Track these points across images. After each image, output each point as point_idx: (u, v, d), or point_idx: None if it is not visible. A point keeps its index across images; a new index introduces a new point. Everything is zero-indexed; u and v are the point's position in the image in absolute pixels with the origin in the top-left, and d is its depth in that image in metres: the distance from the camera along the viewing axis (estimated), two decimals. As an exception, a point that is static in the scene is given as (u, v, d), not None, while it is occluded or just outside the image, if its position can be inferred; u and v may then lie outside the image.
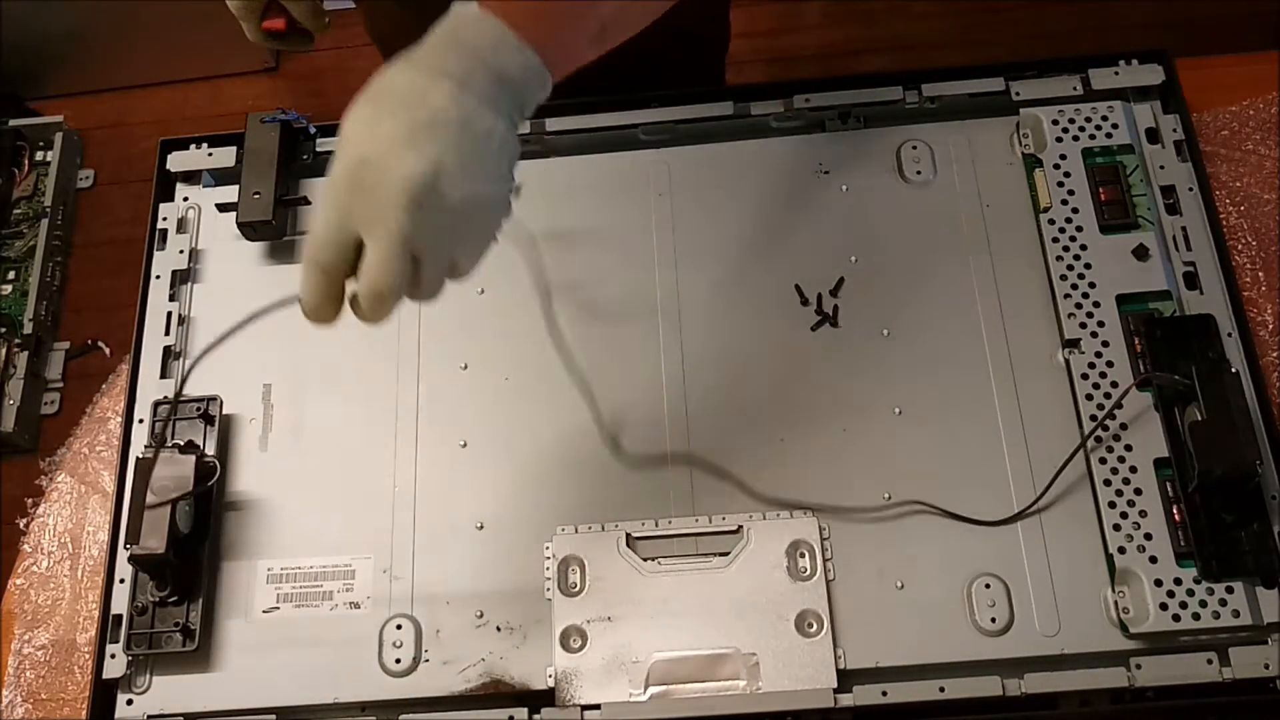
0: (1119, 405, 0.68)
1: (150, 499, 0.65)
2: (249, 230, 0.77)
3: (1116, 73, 0.78)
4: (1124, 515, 0.66)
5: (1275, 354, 0.76)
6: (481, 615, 0.67)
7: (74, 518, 0.81)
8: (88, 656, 0.74)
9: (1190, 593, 0.63)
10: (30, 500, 0.83)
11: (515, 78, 0.51)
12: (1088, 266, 0.72)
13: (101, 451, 0.83)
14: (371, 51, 0.77)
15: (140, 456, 0.68)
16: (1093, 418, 0.68)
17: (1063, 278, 0.72)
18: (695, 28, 0.83)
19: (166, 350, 0.75)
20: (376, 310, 0.50)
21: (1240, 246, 0.79)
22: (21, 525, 0.81)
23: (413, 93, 0.49)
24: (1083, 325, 0.70)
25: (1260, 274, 0.78)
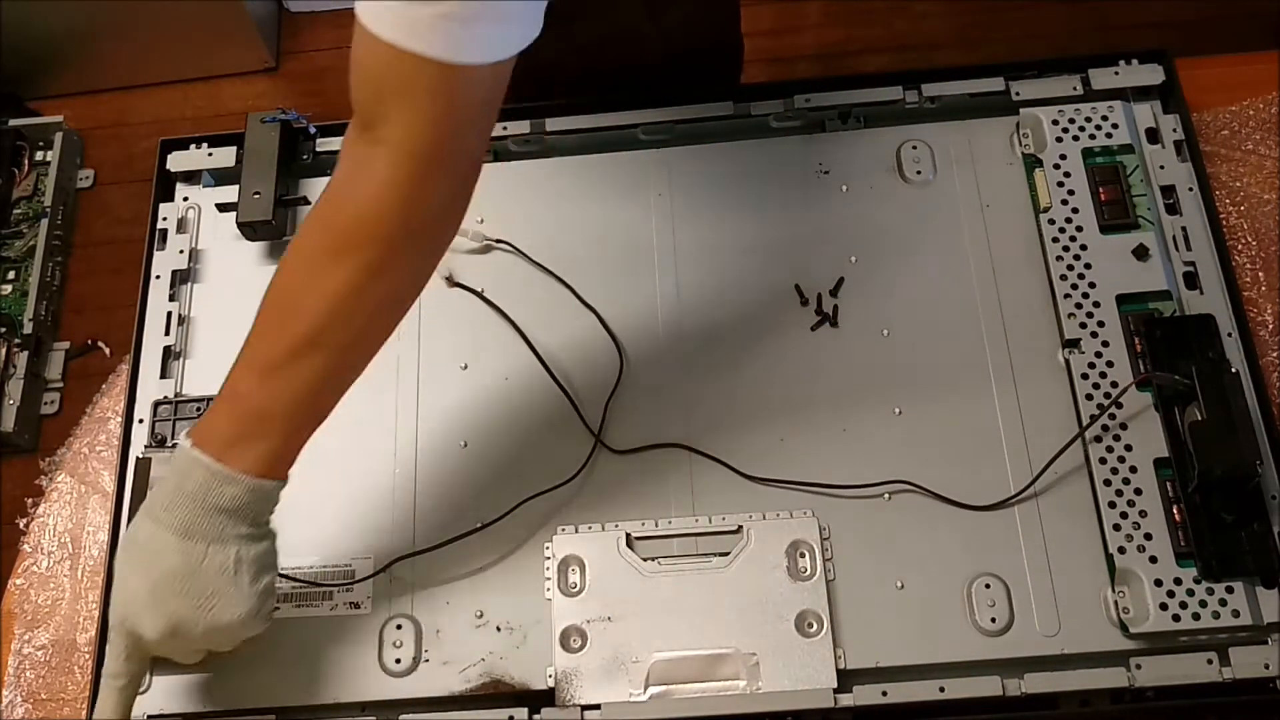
0: (1118, 404, 0.68)
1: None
2: (249, 230, 0.77)
3: (1116, 73, 0.78)
4: (1124, 515, 0.66)
5: (1275, 354, 0.76)
6: (481, 615, 0.67)
7: (74, 518, 0.81)
8: (88, 656, 0.74)
9: (1190, 593, 0.63)
10: (30, 500, 0.83)
11: (239, 505, 0.56)
12: (1088, 266, 0.72)
13: (101, 451, 0.83)
14: (371, 51, 0.76)
15: (140, 457, 0.68)
16: (1093, 417, 0.68)
17: (1063, 278, 0.72)
18: (707, 54, 0.85)
19: (166, 350, 0.75)
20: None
21: (1240, 246, 0.79)
22: (21, 525, 0.81)
23: (149, 552, 0.57)
24: (1083, 325, 0.70)
25: (1260, 274, 0.78)
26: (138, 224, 0.80)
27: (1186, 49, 0.80)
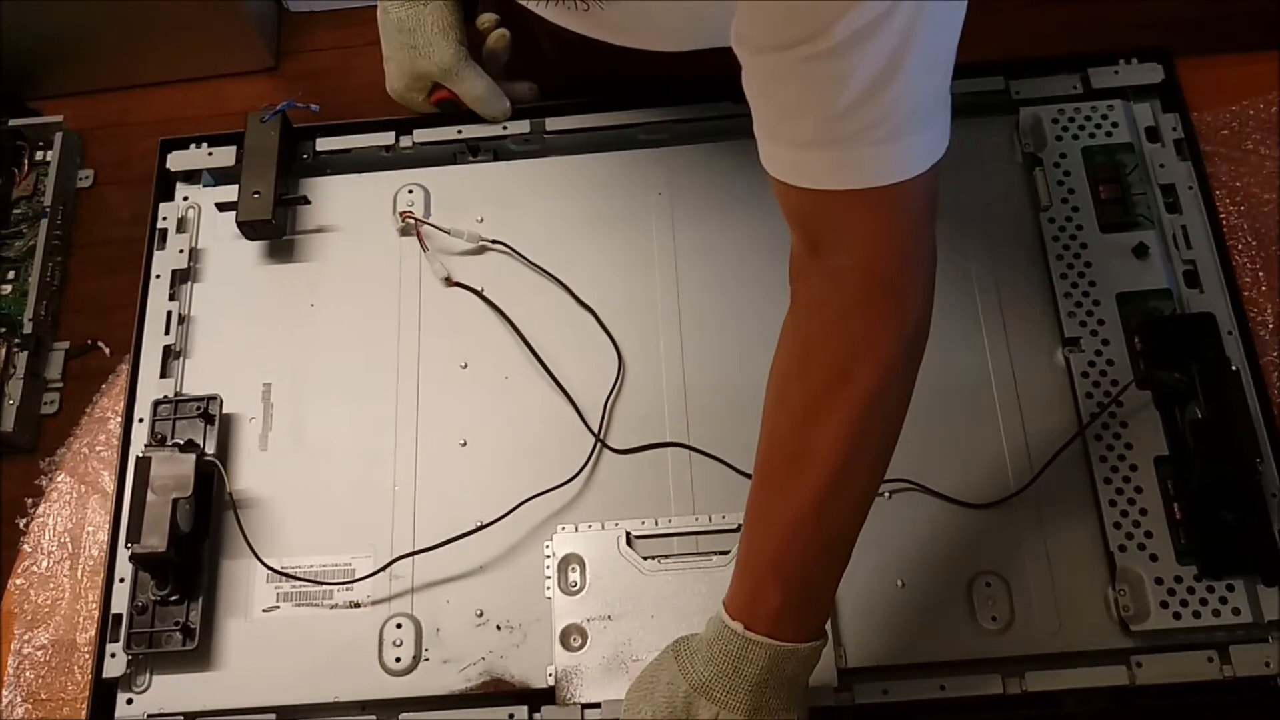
0: (1119, 402, 0.68)
1: (150, 496, 0.65)
2: (249, 229, 0.77)
3: (1116, 71, 0.78)
4: (1124, 513, 0.66)
5: (1275, 353, 0.76)
6: (481, 614, 0.67)
7: (74, 518, 0.81)
8: (88, 656, 0.74)
9: (1191, 591, 0.63)
10: (30, 500, 0.83)
11: (800, 677, 0.54)
12: (1088, 265, 0.72)
13: (101, 451, 0.83)
14: (373, 51, 0.76)
15: (140, 456, 0.68)
16: (1093, 415, 0.68)
17: (1063, 276, 0.72)
18: None
19: (166, 350, 0.75)
20: None
21: (1240, 246, 0.79)
22: (21, 525, 0.81)
23: None
24: (1083, 324, 0.70)
25: (1260, 274, 0.78)
26: (138, 224, 0.80)
27: (1186, 49, 0.80)
